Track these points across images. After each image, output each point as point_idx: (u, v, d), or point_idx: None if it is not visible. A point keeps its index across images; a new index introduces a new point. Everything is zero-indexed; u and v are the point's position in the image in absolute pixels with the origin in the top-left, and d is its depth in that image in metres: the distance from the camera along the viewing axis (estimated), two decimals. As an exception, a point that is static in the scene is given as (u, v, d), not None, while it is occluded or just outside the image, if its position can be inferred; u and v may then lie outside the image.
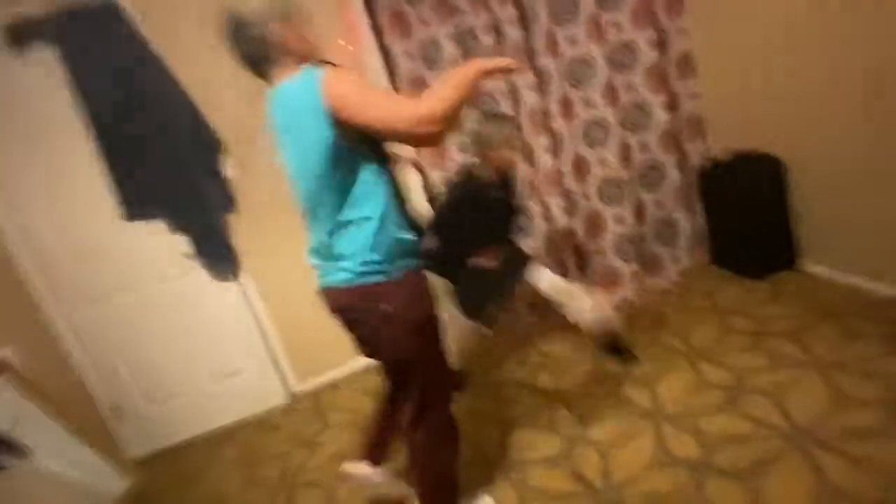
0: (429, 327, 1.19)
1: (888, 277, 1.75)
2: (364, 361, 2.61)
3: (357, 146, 1.05)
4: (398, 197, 1.14)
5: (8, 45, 1.98)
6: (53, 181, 2.11)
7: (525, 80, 2.29)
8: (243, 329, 2.40)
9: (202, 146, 2.15)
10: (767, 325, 1.87)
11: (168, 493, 2.07)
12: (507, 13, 2.22)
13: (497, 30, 2.25)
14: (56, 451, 1.98)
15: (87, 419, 2.19)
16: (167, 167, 2.08)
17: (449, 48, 2.24)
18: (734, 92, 2.22)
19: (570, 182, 2.45)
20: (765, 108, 2.09)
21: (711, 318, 2.05)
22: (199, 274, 2.24)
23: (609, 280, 2.52)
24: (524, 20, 2.25)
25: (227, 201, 2.20)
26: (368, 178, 1.08)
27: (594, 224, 2.50)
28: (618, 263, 2.50)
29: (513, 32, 2.24)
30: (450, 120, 0.98)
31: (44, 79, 2.00)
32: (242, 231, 2.30)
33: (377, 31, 2.25)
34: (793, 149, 2.03)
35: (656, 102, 2.36)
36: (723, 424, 1.48)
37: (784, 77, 1.93)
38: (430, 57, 2.26)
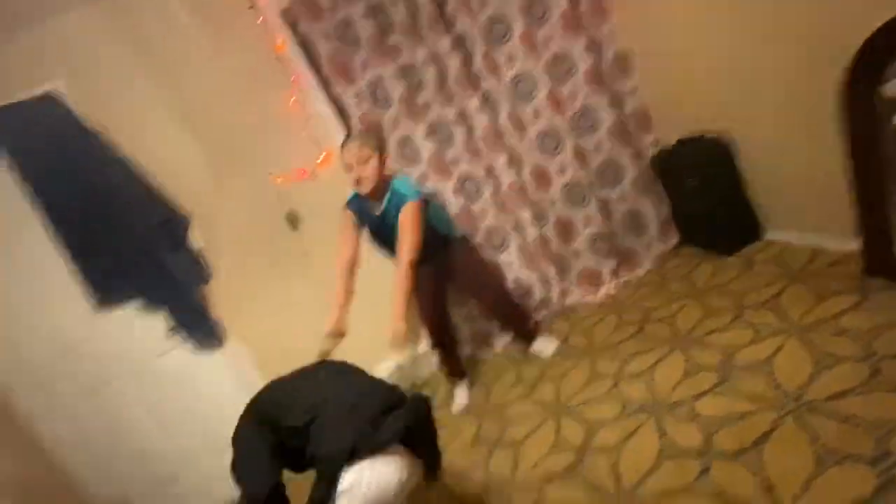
0: None
1: (842, 232, 1.83)
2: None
3: None
4: None
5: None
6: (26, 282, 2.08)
7: (472, 104, 2.36)
8: (242, 398, 2.36)
9: (163, 221, 2.15)
10: (744, 298, 1.94)
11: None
12: (443, 44, 2.30)
13: (437, 61, 2.33)
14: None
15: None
16: (130, 249, 2.07)
17: (395, 86, 2.30)
18: (672, 82, 2.32)
19: (535, 193, 2.51)
20: (704, 92, 2.19)
21: (691, 300, 2.11)
22: (185, 351, 2.21)
23: (591, 280, 2.57)
24: (462, 48, 2.34)
25: (199, 272, 2.19)
26: None
27: (565, 229, 2.56)
28: (595, 263, 2.56)
29: (452, 62, 2.32)
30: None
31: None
32: (224, 298, 2.29)
33: (325, 82, 2.31)
34: (736, 126, 2.13)
35: (601, 104, 2.45)
36: (719, 406, 1.52)
37: (717, 59, 2.03)
38: (380, 97, 2.32)
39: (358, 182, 1.83)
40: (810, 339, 1.58)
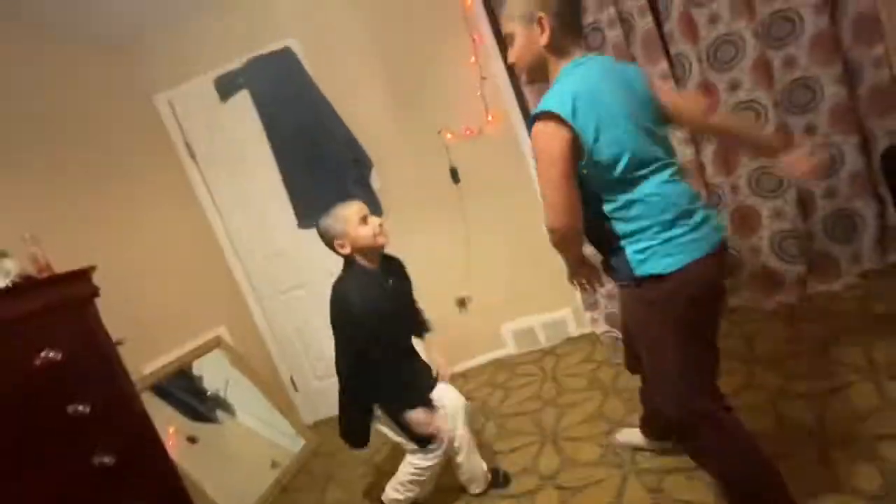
0: None
1: None
2: (487, 357, 2.75)
3: None
4: None
5: (218, 94, 2.58)
6: (249, 195, 2.69)
7: (659, 67, 2.17)
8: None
9: (354, 160, 2.53)
10: None
11: (337, 454, 2.46)
12: (638, 3, 2.13)
13: (626, 21, 2.18)
14: (253, 411, 2.53)
15: (274, 387, 2.74)
16: (328, 178, 2.48)
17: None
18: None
19: (715, 174, 2.24)
20: None
21: (905, 330, 1.70)
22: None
23: (766, 283, 2.24)
24: (655, 5, 2.14)
25: (375, 207, 2.55)
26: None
27: (745, 221, 2.24)
28: (777, 264, 2.21)
29: (643, 22, 2.14)
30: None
31: (240, 114, 2.56)
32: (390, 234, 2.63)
33: (503, 45, 2.37)
34: None
35: (828, 76, 2.02)
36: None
37: None
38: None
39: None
40: None
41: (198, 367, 2.45)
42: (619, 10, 2.17)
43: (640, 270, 1.07)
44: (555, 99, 1.03)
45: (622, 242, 1.10)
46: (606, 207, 1.10)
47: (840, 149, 2.06)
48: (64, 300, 1.45)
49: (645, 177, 1.06)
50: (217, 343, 2.61)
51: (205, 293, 2.63)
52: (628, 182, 1.06)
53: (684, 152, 2.22)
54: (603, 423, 1.85)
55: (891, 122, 2.02)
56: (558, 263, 2.75)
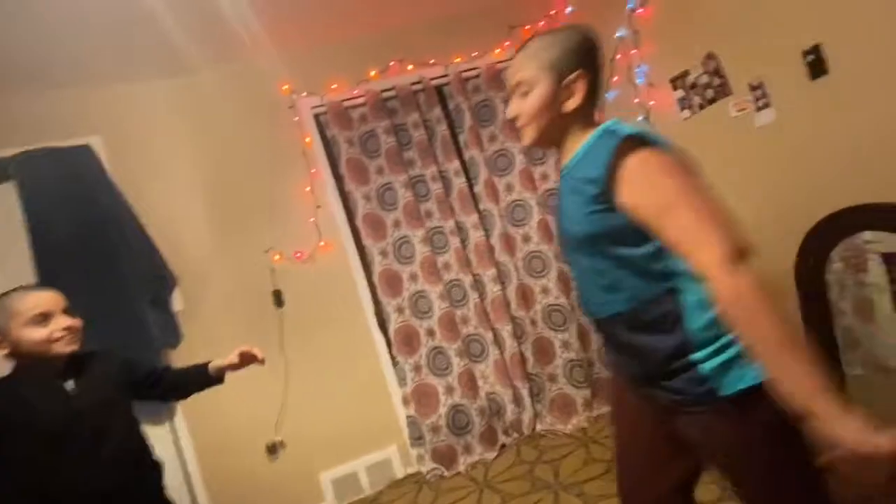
0: None
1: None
2: (305, 514, 2.32)
3: None
4: None
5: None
6: None
7: (470, 220, 2.57)
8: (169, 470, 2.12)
9: (155, 279, 2.15)
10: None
11: None
12: (452, 166, 2.59)
13: (444, 178, 2.60)
14: None
15: None
16: (115, 297, 2.02)
17: (403, 193, 2.52)
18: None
19: (517, 309, 2.60)
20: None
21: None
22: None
23: (563, 408, 2.52)
24: (467, 171, 2.63)
25: (172, 334, 2.13)
26: None
27: (544, 350, 2.59)
28: (570, 390, 2.54)
29: (458, 181, 2.59)
30: None
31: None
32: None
33: (339, 179, 2.54)
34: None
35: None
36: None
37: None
38: (388, 200, 2.53)
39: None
40: None
41: None
42: (439, 169, 2.59)
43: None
44: (647, 135, 0.78)
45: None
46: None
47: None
48: None
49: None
50: None
51: None
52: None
53: (493, 289, 2.56)
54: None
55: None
56: (382, 397, 2.62)
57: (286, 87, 2.48)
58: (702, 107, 2.03)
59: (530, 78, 0.87)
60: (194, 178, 2.36)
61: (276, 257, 2.40)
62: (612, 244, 0.80)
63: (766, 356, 0.65)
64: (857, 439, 0.60)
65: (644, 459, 0.98)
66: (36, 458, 1.07)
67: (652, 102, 2.28)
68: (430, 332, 2.49)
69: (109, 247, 2.04)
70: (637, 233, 0.76)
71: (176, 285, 2.22)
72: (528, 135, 0.92)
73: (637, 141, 0.75)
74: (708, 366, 0.77)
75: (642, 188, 0.73)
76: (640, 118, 2.33)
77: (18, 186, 2.03)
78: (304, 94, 2.51)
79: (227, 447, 2.24)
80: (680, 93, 2.12)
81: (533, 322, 2.60)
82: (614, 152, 0.76)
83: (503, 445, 2.47)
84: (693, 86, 2.05)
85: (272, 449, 2.30)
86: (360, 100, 2.54)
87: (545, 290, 2.60)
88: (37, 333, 1.12)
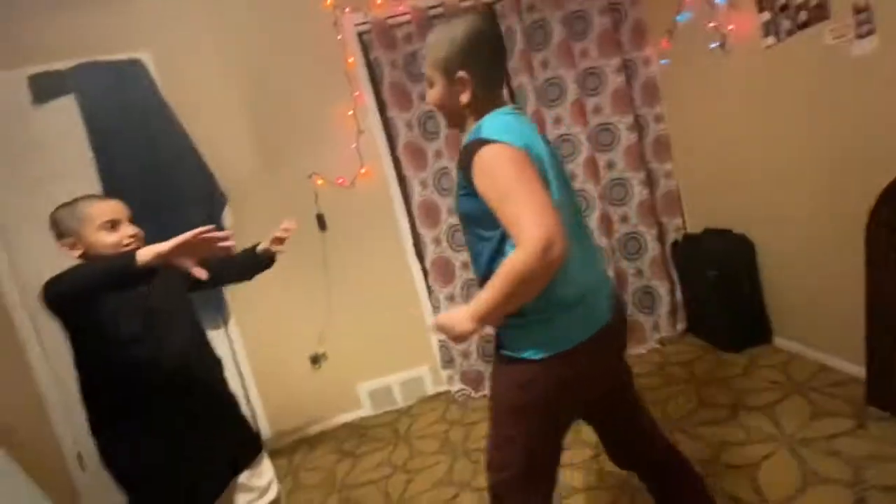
0: None
1: (850, 356, 1.83)
2: (340, 419, 2.58)
3: None
4: None
5: (33, 94, 2.13)
6: (45, 213, 2.17)
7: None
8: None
9: (205, 195, 2.25)
10: (742, 398, 1.92)
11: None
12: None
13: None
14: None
15: (50, 468, 2.11)
16: (169, 213, 2.15)
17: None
18: (705, 174, 2.41)
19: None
20: (734, 191, 2.27)
21: (688, 388, 2.09)
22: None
23: (631, 333, 2.57)
24: (513, 99, 2.48)
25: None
26: None
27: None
28: (639, 317, 2.58)
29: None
30: None
31: (58, 122, 2.13)
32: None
33: (381, 104, 2.47)
34: (760, 230, 2.18)
35: (635, 179, 2.54)
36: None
37: (750, 162, 2.12)
38: (430, 128, 2.46)
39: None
40: (801, 454, 1.55)
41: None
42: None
43: None
44: (498, 132, 0.87)
45: None
46: None
47: (644, 237, 2.57)
48: None
49: None
50: None
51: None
52: None
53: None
54: (451, 488, 1.83)
55: (677, 221, 2.62)
56: (417, 319, 2.75)
57: (329, 0, 2.35)
58: (790, 33, 1.77)
59: (429, 75, 1.00)
60: (239, 97, 2.37)
61: (320, 182, 2.44)
62: (474, 224, 0.96)
63: (496, 302, 0.84)
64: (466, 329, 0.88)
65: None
66: (113, 354, 1.23)
67: (731, 27, 2.01)
68: (466, 265, 2.53)
69: (165, 162, 2.14)
70: (490, 217, 0.86)
71: (226, 203, 2.32)
72: (445, 120, 1.07)
73: (487, 140, 0.86)
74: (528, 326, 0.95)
75: (485, 179, 0.85)
76: (712, 45, 2.08)
77: (79, 99, 2.12)
78: (348, 9, 2.37)
79: (275, 356, 2.47)
80: (766, 15, 1.85)
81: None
82: (471, 147, 0.88)
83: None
84: (784, 7, 1.77)
85: (315, 359, 2.52)
86: (406, 17, 2.39)
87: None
88: (108, 238, 1.22)
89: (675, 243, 2.60)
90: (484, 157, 0.85)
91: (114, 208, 1.26)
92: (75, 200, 1.26)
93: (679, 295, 2.62)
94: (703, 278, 2.36)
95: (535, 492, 1.01)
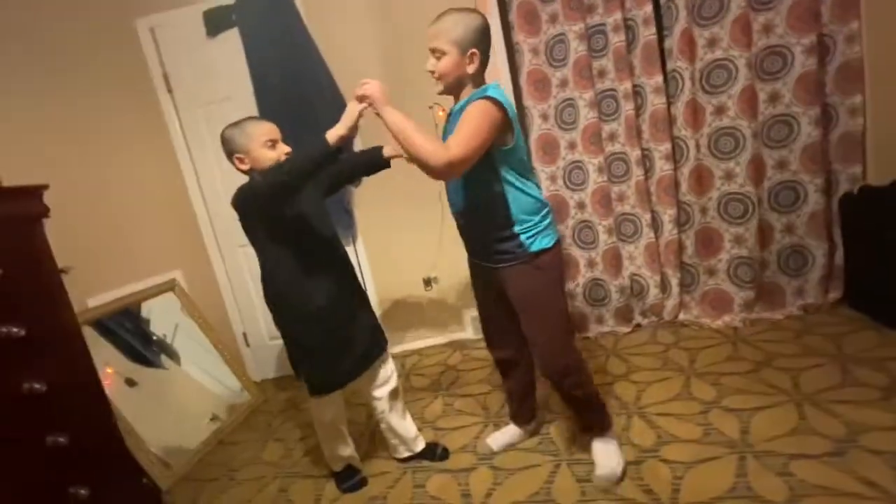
0: None
1: None
2: (446, 339, 2.80)
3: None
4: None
5: (206, 28, 2.45)
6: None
7: (652, 82, 2.21)
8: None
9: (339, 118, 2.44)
10: (903, 382, 1.63)
11: (281, 413, 2.45)
12: (642, 11, 2.15)
13: (629, 29, 2.20)
14: (199, 361, 2.47)
15: (225, 340, 2.68)
16: (311, 134, 2.39)
17: (576, 46, 2.24)
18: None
19: (687, 193, 2.32)
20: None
21: (833, 363, 1.83)
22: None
23: (716, 303, 2.35)
24: (660, 20, 2.17)
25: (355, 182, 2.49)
26: None
27: (709, 241, 2.34)
28: (729, 287, 2.33)
29: (645, 32, 2.17)
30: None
31: (227, 53, 2.43)
32: (363, 202, 2.60)
33: (507, 29, 2.35)
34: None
35: (807, 115, 2.11)
36: (822, 475, 1.36)
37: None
38: (557, 55, 2.30)
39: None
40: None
41: (147, 309, 2.36)
42: (624, 16, 2.18)
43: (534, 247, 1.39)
44: (500, 97, 1.26)
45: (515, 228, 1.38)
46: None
47: (805, 188, 2.17)
48: (9, 216, 1.36)
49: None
50: (171, 286, 2.52)
51: (164, 233, 2.53)
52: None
53: (663, 167, 2.29)
54: (544, 411, 1.92)
55: (854, 170, 2.15)
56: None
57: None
58: None
59: (442, 48, 1.31)
60: (371, 29, 2.44)
61: (440, 113, 2.47)
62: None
63: (399, 128, 1.25)
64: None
65: (494, 312, 1.59)
66: (292, 243, 1.50)
67: None
68: (581, 205, 2.43)
69: (308, 94, 2.35)
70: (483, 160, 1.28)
71: (356, 135, 2.49)
72: (440, 85, 1.36)
73: (492, 98, 1.24)
74: (523, 236, 1.39)
75: (473, 111, 1.23)
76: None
77: (241, 32, 2.39)
78: (481, -78, 2.22)
79: (394, 276, 2.72)
80: None
81: (703, 210, 2.32)
82: (479, 95, 1.27)
83: (638, 325, 2.49)
84: None
85: (428, 282, 2.72)
86: (543, -74, 2.17)
87: (729, 175, 2.23)
88: (270, 153, 1.45)
89: (845, 196, 2.16)
90: (485, 103, 1.23)
91: (273, 129, 1.48)
92: (242, 120, 1.48)
93: (839, 258, 2.22)
94: (878, 241, 1.95)
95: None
